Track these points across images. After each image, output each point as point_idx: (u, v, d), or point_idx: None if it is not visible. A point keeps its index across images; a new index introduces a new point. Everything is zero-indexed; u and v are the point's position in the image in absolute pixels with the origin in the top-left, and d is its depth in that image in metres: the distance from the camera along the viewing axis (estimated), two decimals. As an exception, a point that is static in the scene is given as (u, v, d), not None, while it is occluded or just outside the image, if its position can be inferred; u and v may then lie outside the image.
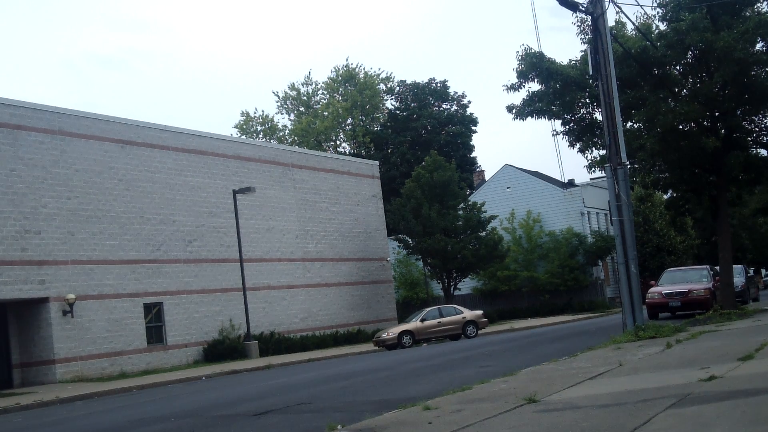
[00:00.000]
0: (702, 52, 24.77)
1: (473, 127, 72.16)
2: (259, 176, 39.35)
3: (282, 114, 72.25)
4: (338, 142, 70.40)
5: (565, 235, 55.05)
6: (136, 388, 24.57)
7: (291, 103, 71.29)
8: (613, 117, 19.89)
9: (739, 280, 33.47)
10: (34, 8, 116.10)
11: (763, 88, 24.90)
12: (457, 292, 50.25)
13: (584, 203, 57.28)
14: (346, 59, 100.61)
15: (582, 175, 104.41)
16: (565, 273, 54.14)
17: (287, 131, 69.92)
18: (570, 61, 26.63)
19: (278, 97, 71.22)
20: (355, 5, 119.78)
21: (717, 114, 26.44)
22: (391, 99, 73.49)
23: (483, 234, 47.22)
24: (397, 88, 72.81)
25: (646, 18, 25.99)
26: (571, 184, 59.72)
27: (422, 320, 35.37)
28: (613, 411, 8.72)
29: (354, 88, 69.70)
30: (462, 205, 48.17)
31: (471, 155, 72.43)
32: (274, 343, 36.22)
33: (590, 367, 13.42)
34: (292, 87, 71.12)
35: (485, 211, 47.70)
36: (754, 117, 27.51)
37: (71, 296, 29.51)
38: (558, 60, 26.21)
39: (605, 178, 21.02)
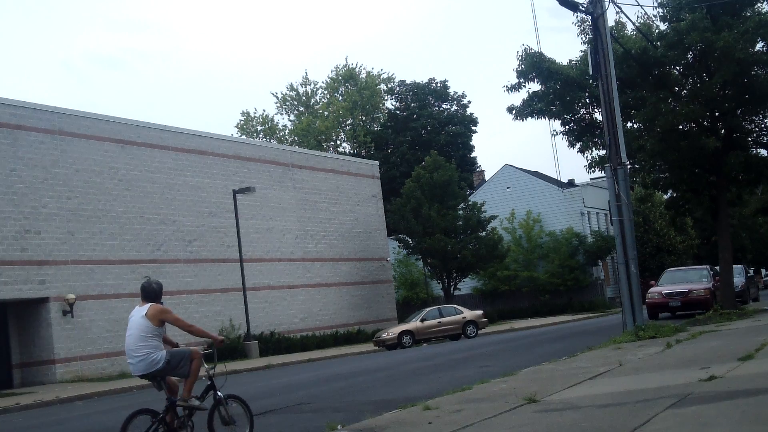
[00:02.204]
0: (702, 52, 24.76)
1: (473, 127, 72.19)
2: (259, 176, 39.35)
3: (282, 114, 72.35)
4: (338, 142, 70.41)
5: (565, 235, 55.05)
6: (136, 388, 24.52)
7: (291, 103, 71.31)
8: (613, 117, 19.89)
9: (739, 280, 33.45)
10: (34, 9, 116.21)
11: (763, 88, 24.89)
12: (457, 292, 50.25)
13: (584, 203, 57.29)
14: (346, 59, 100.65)
15: (582, 175, 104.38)
16: (565, 273, 54.15)
17: (287, 131, 69.96)
18: (570, 61, 26.65)
19: (277, 98, 71.35)
20: (355, 5, 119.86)
21: (717, 114, 26.44)
22: (391, 99, 73.55)
23: (483, 234, 47.24)
24: (397, 88, 72.83)
25: (647, 18, 26.02)
26: (571, 184, 59.73)
27: (422, 320, 35.37)
28: (613, 411, 8.72)
29: (354, 88, 69.73)
30: (462, 205, 48.19)
31: (471, 155, 72.46)
32: (274, 343, 36.21)
33: (590, 367, 13.42)
34: (291, 88, 71.18)
35: (485, 211, 47.72)
36: (754, 117, 27.50)
37: (71, 296, 29.50)
38: (558, 60, 26.25)
39: (605, 178, 21.02)
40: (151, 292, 9.67)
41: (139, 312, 9.53)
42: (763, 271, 77.05)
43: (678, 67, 26.43)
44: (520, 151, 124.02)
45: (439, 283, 49.24)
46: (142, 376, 9.40)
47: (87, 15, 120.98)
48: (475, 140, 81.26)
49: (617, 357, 14.54)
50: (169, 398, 9.25)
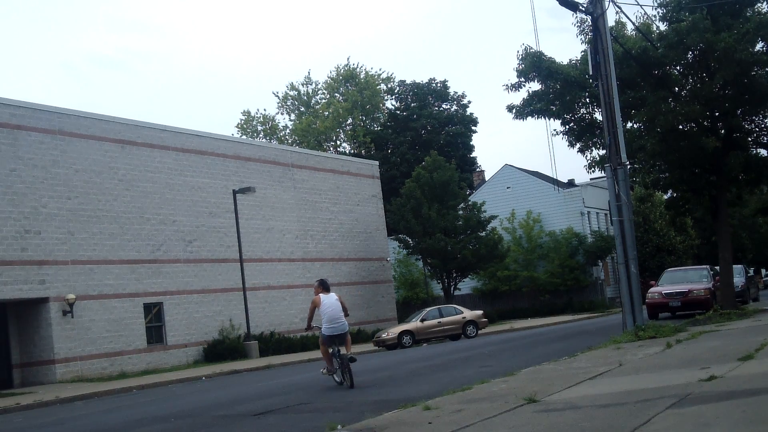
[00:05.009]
0: (702, 52, 24.75)
1: (473, 127, 72.18)
2: (259, 176, 39.34)
3: (282, 114, 72.41)
4: (338, 142, 70.42)
5: (565, 235, 55.04)
6: (136, 388, 24.56)
7: (291, 103, 71.33)
8: (613, 117, 19.88)
9: (739, 280, 33.43)
10: (34, 10, 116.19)
11: (763, 88, 24.88)
12: (457, 292, 50.23)
13: (584, 203, 57.27)
14: (347, 59, 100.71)
15: (582, 175, 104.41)
16: (565, 273, 54.13)
17: (288, 131, 69.97)
18: (570, 61, 26.64)
19: (278, 97, 71.38)
20: (355, 5, 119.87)
21: (717, 114, 26.42)
22: (392, 99, 73.55)
23: (483, 234, 47.21)
24: (398, 88, 72.82)
25: (646, 18, 25.98)
26: (571, 184, 59.70)
27: (422, 320, 35.36)
28: (613, 411, 8.72)
29: (354, 87, 69.72)
30: (462, 205, 48.17)
31: (471, 155, 72.46)
32: (274, 343, 36.21)
33: (590, 367, 13.41)
34: (292, 87, 71.19)
35: (485, 211, 47.70)
36: (754, 117, 27.49)
37: (71, 296, 29.50)
38: (558, 60, 26.24)
39: (605, 178, 21.01)
40: (328, 285, 16.20)
41: (332, 297, 15.85)
42: (763, 271, 77.03)
43: (678, 67, 26.42)
44: (520, 151, 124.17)
45: (439, 283, 49.22)
46: (336, 335, 15.64)
47: (87, 16, 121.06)
48: (475, 140, 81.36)
49: (617, 357, 14.53)
50: (338, 348, 15.72)
